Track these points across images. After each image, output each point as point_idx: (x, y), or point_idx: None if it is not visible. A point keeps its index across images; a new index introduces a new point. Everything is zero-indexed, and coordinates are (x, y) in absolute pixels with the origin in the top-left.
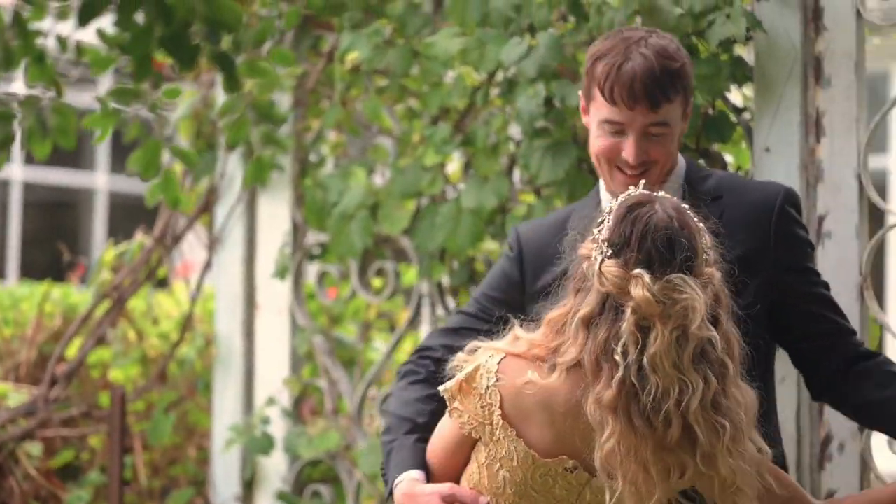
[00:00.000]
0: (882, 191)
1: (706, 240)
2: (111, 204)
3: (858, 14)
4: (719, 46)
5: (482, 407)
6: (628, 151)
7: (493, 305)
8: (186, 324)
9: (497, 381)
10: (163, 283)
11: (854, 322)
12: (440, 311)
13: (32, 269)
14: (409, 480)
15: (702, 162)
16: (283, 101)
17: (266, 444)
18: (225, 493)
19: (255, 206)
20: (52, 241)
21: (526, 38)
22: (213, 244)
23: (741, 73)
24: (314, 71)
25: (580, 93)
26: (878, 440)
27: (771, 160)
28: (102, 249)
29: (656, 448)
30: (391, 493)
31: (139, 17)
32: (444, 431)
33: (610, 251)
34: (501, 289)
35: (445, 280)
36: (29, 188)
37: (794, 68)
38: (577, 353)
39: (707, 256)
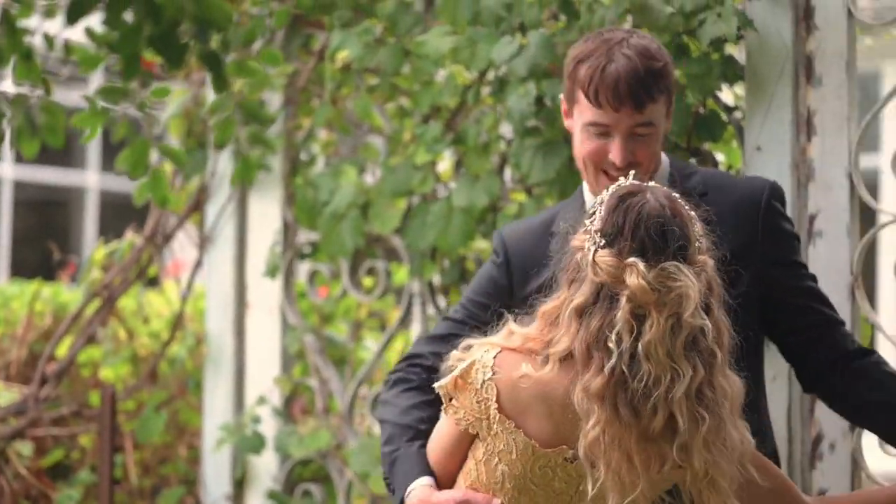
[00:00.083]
0: (873, 190)
1: (698, 228)
2: (102, 203)
3: (850, 13)
4: (710, 45)
5: (478, 402)
6: (615, 153)
7: (480, 311)
8: (177, 323)
9: (493, 375)
10: (153, 282)
11: (845, 322)
12: (431, 311)
13: (23, 268)
14: (421, 487)
15: (693, 160)
16: (274, 99)
17: (257, 444)
18: (216, 492)
19: (245, 205)
20: (43, 240)
21: (517, 36)
22: (203, 243)
23: (732, 72)
24: (305, 69)
25: (561, 96)
26: (870, 440)
27: (762, 159)
28: (93, 248)
29: (640, 438)
30: (402, 502)
31: (128, 16)
32: (441, 431)
33: (603, 241)
34: (488, 294)
35: (436, 279)
36: (19, 187)
37: (785, 67)
38: (570, 342)
39: (699, 244)
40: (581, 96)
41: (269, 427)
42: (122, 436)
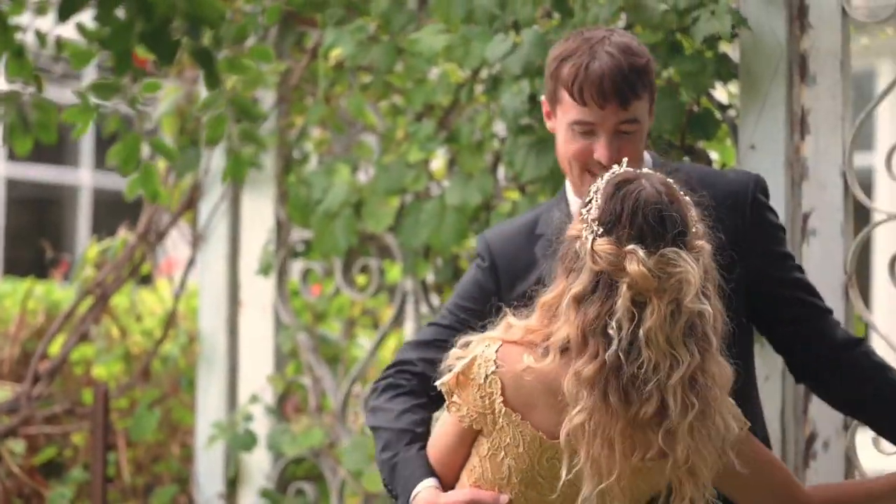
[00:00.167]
0: (867, 189)
1: (694, 213)
2: (95, 200)
3: (844, 12)
4: (704, 43)
5: (482, 397)
6: (600, 152)
7: (467, 316)
8: (170, 321)
9: (496, 368)
10: (146, 280)
11: (839, 321)
12: (424, 309)
13: (16, 266)
14: (426, 489)
15: (687, 159)
16: (267, 97)
17: (249, 442)
18: (208, 490)
19: (238, 203)
20: (36, 238)
21: (510, 34)
22: (196, 241)
23: (726, 70)
24: (298, 67)
25: (542, 98)
26: (863, 438)
27: (756, 158)
28: (86, 246)
29: (625, 426)
30: None
31: (119, 13)
32: (443, 429)
33: (601, 229)
34: (474, 298)
35: (430, 277)
36: (12, 184)
37: (779, 66)
38: (569, 331)
39: (696, 229)
40: (565, 95)
41: (261, 425)
42: (115, 434)
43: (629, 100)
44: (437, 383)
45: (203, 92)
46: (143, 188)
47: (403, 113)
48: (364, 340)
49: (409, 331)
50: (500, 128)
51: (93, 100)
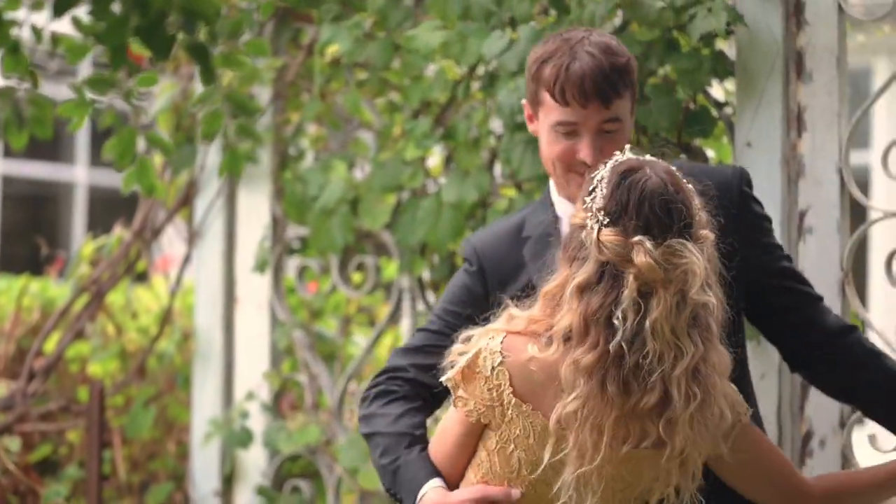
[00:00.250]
0: (864, 186)
1: (697, 202)
2: (90, 197)
3: (840, 9)
4: (700, 40)
5: (489, 390)
6: (584, 152)
7: (456, 321)
8: (166, 318)
9: (503, 360)
10: (142, 277)
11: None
12: (421, 306)
13: (11, 263)
14: (433, 490)
15: (683, 157)
16: (263, 94)
17: (245, 439)
18: (204, 487)
19: (234, 200)
20: (31, 235)
21: (507, 31)
22: (192, 238)
23: (722, 67)
24: (294, 64)
25: (524, 101)
26: (860, 436)
27: (752, 155)
28: (81, 243)
29: (619, 415)
30: None
31: (115, 7)
32: (448, 426)
33: (607, 219)
34: (464, 303)
35: (426, 274)
36: (7, 181)
37: (775, 63)
38: (572, 320)
39: (700, 218)
40: (546, 97)
41: (257, 422)
42: (111, 431)
43: (611, 99)
44: (442, 379)
45: (198, 89)
46: (139, 182)
47: (400, 110)
48: (360, 338)
49: (405, 328)
50: (496, 125)
51: (88, 95)
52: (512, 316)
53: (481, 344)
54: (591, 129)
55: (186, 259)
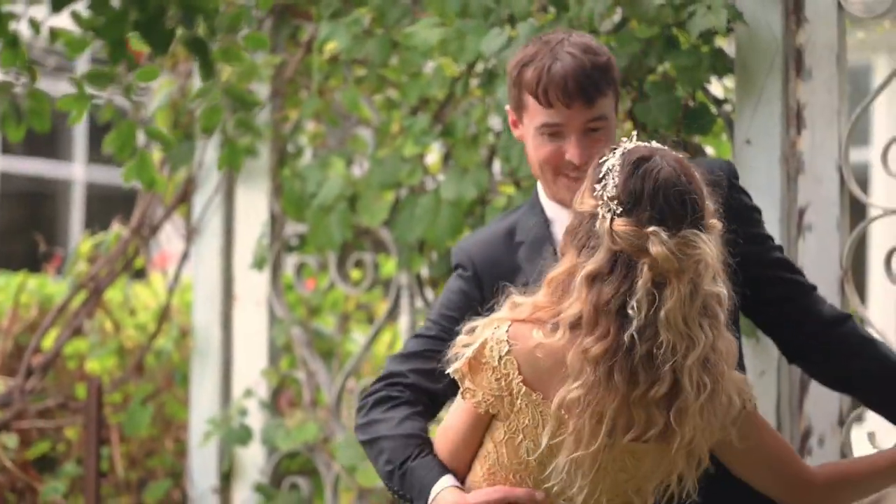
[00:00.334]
0: (863, 184)
1: (706, 190)
2: (88, 194)
3: (840, 6)
4: (700, 38)
5: (497, 379)
6: (572, 152)
7: (453, 325)
8: (164, 315)
9: (510, 348)
10: (140, 274)
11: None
12: (419, 303)
13: (9, 260)
14: (448, 490)
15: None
16: (261, 91)
17: (244, 436)
18: (202, 485)
19: (233, 197)
20: (29, 232)
21: (506, 28)
22: (190, 235)
23: (722, 64)
24: (292, 61)
25: (507, 108)
26: (858, 433)
27: (752, 152)
28: (79, 240)
29: (622, 403)
30: None
31: (114, 1)
32: (454, 419)
33: (620, 209)
34: (460, 308)
35: (424, 272)
36: (6, 178)
37: (775, 60)
38: (581, 308)
39: (708, 208)
40: (530, 100)
41: (255, 420)
42: (109, 428)
43: (594, 98)
44: (449, 370)
45: (196, 86)
46: (138, 176)
47: (398, 107)
48: (359, 335)
49: (403, 325)
50: (495, 122)
51: (88, 89)
52: (516, 303)
53: (486, 334)
54: (576, 130)
55: (184, 256)
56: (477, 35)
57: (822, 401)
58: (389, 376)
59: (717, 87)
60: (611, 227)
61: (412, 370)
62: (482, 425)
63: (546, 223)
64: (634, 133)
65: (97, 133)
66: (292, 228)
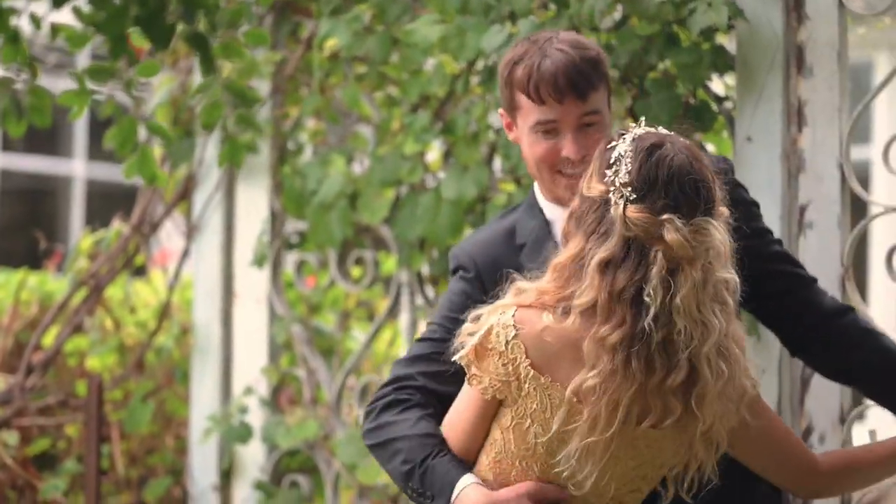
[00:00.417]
0: (864, 181)
1: (715, 178)
2: (89, 191)
3: (840, 3)
4: (701, 35)
5: (504, 364)
6: (568, 149)
7: (457, 328)
8: (164, 312)
9: (517, 332)
10: (140, 272)
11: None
12: (419, 301)
13: (9, 257)
14: (472, 487)
15: None
16: (262, 87)
17: (244, 434)
18: (203, 482)
19: (233, 194)
20: (29, 229)
21: (506, 25)
22: (191, 232)
23: (723, 61)
24: (293, 58)
25: (500, 111)
26: (860, 431)
27: (752, 150)
28: (79, 237)
29: (638, 391)
30: None
31: None
32: (462, 407)
33: (633, 195)
34: (464, 310)
35: (425, 269)
36: (6, 175)
37: (776, 57)
38: (595, 295)
39: (718, 195)
40: (522, 99)
41: (256, 417)
42: (109, 426)
43: (586, 92)
44: (455, 357)
45: (196, 83)
46: (140, 171)
47: (399, 104)
48: (359, 332)
49: (404, 323)
50: (495, 119)
51: (88, 85)
52: (520, 289)
53: (492, 320)
54: (570, 125)
55: (185, 253)
56: (477, 32)
57: (824, 398)
58: (397, 380)
59: (717, 85)
60: (624, 214)
61: (420, 373)
62: (489, 413)
63: (546, 224)
64: (643, 119)
65: (97, 130)
66: (293, 226)
